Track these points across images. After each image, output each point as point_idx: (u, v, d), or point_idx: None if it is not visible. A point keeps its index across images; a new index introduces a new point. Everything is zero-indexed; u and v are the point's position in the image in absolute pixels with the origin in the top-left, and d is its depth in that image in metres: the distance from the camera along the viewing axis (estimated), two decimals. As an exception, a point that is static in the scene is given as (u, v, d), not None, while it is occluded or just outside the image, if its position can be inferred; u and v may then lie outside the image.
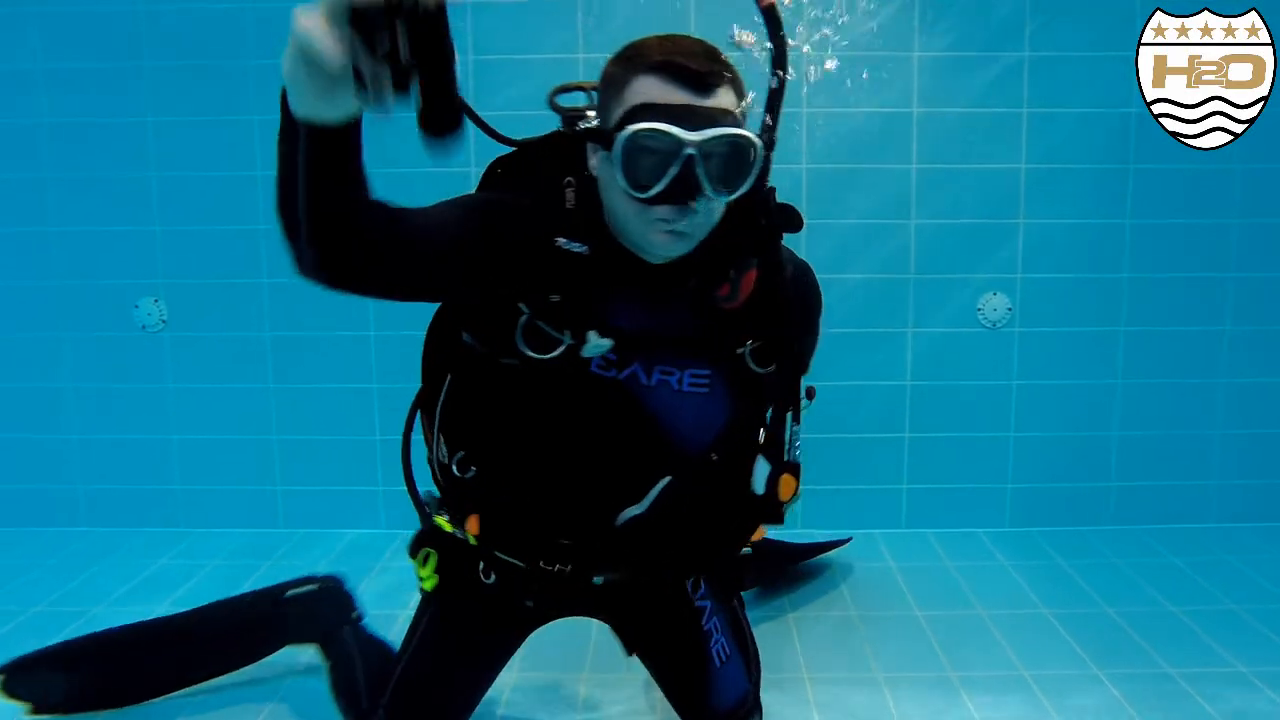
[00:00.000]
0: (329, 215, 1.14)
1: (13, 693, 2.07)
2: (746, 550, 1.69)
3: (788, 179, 3.22)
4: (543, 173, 1.46)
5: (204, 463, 3.42)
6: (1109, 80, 3.16)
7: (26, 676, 2.09)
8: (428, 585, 1.61)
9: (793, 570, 2.92)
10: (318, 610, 2.19)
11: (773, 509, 1.45)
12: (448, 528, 1.58)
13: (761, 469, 1.43)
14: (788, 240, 1.49)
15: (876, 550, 3.18)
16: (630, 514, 1.45)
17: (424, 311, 1.52)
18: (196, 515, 3.43)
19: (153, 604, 2.77)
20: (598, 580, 1.54)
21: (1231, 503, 3.39)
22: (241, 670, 2.26)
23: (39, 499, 3.45)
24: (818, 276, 1.57)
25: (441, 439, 1.55)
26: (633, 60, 1.29)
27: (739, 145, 1.27)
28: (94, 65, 3.24)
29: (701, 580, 1.70)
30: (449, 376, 1.53)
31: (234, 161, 3.26)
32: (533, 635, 1.76)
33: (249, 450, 3.41)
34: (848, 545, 3.00)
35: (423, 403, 1.61)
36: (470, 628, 1.65)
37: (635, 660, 1.76)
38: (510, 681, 2.27)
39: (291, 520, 3.42)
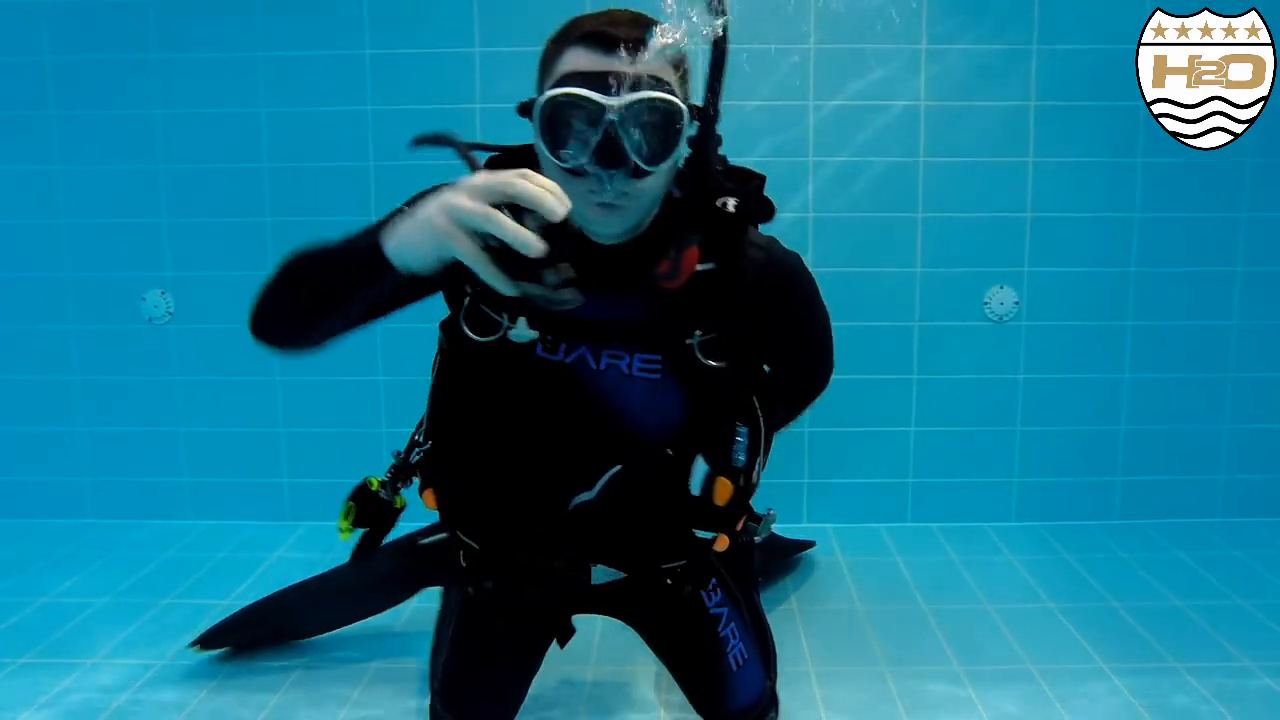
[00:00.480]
0: (334, 330, 1.30)
1: (209, 646, 2.40)
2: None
3: (793, 172, 3.21)
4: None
5: (211, 455, 3.43)
6: (1117, 73, 3.14)
7: (217, 640, 2.40)
8: (344, 536, 1.64)
9: (789, 562, 2.91)
10: (447, 556, 2.28)
11: (708, 513, 1.40)
12: (375, 485, 1.63)
13: (700, 469, 1.39)
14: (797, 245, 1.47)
15: (882, 544, 3.18)
16: (580, 500, 1.42)
17: (431, 305, 1.52)
18: (203, 507, 3.44)
19: (160, 596, 2.78)
20: (597, 579, 1.53)
21: (1238, 498, 3.38)
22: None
23: (46, 491, 3.46)
24: (826, 270, 1.54)
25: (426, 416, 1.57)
26: (564, 34, 1.28)
27: (665, 110, 1.22)
28: (101, 57, 3.24)
29: (716, 585, 1.68)
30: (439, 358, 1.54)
31: (241, 154, 3.27)
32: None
33: (256, 442, 3.42)
34: (814, 548, 3.01)
35: None
36: (492, 622, 1.65)
37: (640, 653, 1.75)
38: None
39: (299, 512, 3.42)
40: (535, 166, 1.32)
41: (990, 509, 3.38)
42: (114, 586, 2.86)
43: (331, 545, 3.18)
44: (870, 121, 3.22)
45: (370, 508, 1.63)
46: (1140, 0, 3.07)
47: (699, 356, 1.36)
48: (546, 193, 0.98)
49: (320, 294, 1.24)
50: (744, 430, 1.41)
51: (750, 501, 1.52)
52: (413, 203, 1.20)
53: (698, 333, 1.36)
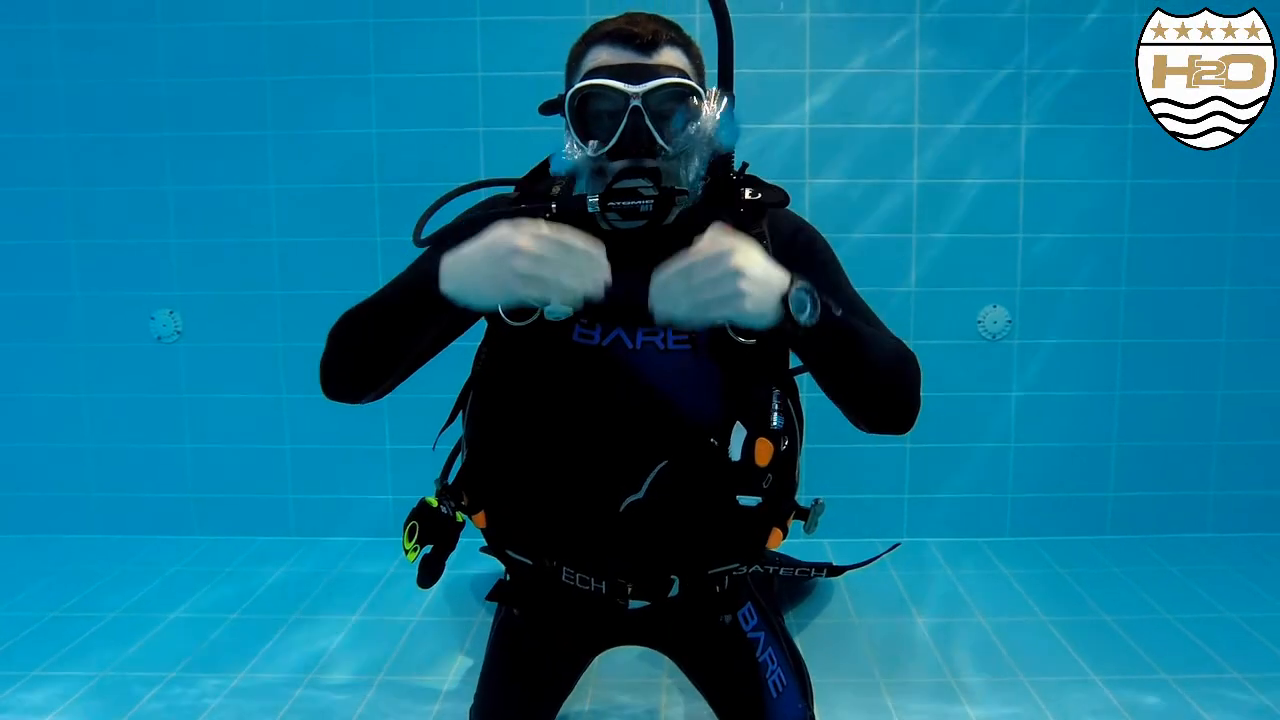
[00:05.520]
0: (405, 369, 1.41)
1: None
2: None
3: (791, 194, 3.26)
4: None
5: (217, 471, 3.48)
6: (1107, 96, 3.22)
7: None
8: (410, 558, 1.64)
9: (805, 587, 2.94)
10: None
11: (749, 476, 1.41)
12: (433, 503, 1.63)
13: (739, 434, 1.40)
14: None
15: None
16: (630, 501, 1.43)
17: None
18: (210, 523, 3.49)
19: (167, 611, 2.82)
20: (634, 605, 1.54)
21: (1228, 513, 3.43)
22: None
23: (56, 506, 3.51)
24: None
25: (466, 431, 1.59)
26: (588, 35, 1.40)
27: (685, 95, 1.34)
28: (111, 81, 3.31)
29: (753, 609, 1.69)
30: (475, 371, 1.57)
31: (248, 175, 3.33)
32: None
33: (262, 459, 3.47)
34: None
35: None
36: (526, 646, 1.67)
37: (649, 666, 1.77)
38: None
39: (303, 528, 3.47)
40: (548, 185, 1.44)
41: (984, 524, 3.43)
42: (122, 601, 2.90)
43: (335, 560, 3.24)
44: (863, 143, 3.29)
45: (433, 524, 1.62)
46: (1135, 19, 3.14)
47: (730, 334, 1.40)
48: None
49: (385, 343, 1.36)
50: (778, 394, 1.43)
51: (795, 498, 1.55)
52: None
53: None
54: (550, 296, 1.19)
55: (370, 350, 1.37)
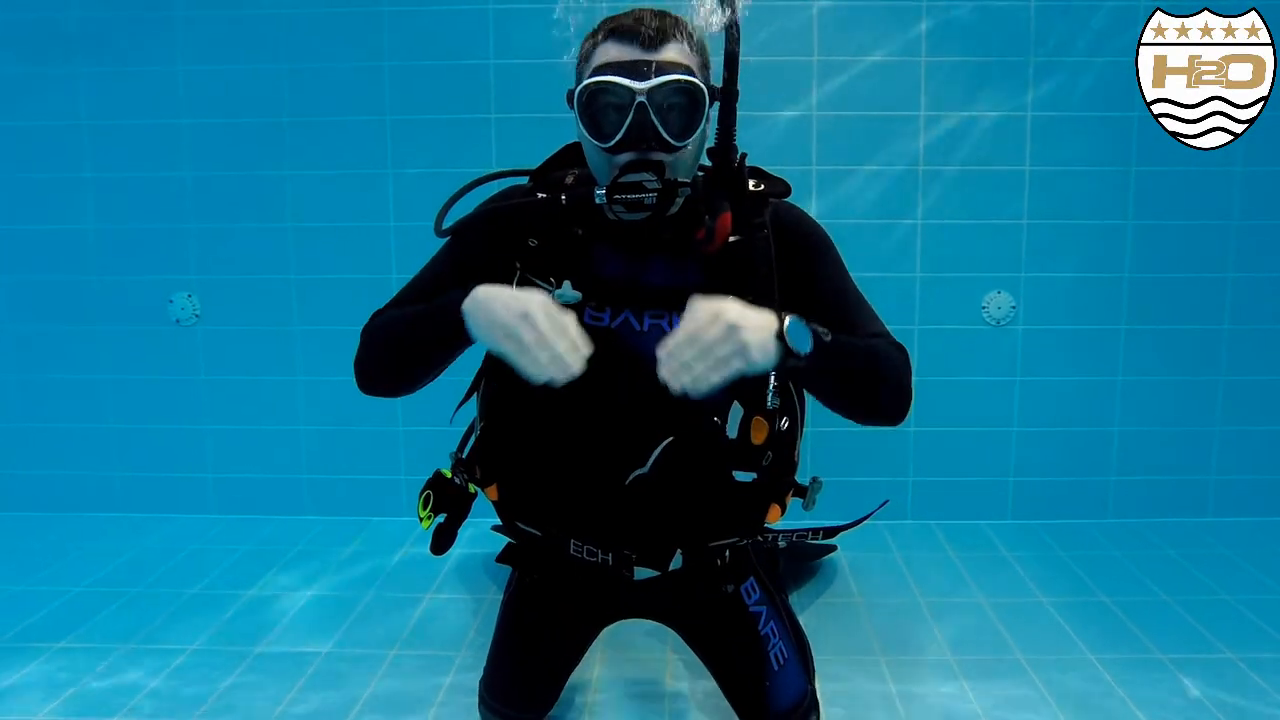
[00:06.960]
0: (435, 372, 1.50)
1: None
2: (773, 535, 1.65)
3: (796, 179, 3.28)
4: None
5: (235, 452, 3.55)
6: (1112, 84, 3.23)
7: None
8: (425, 525, 1.70)
9: (811, 567, 2.99)
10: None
11: (746, 454, 1.47)
12: (447, 474, 1.69)
13: (736, 413, 1.45)
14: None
15: (882, 540, 3.27)
16: (636, 475, 1.49)
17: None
18: (227, 502, 3.57)
19: (186, 587, 2.90)
20: (638, 576, 1.59)
21: (1229, 498, 3.46)
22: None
23: (78, 485, 3.59)
24: None
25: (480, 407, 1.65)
26: (596, 33, 1.46)
27: (689, 92, 1.39)
28: (130, 69, 3.37)
29: (755, 584, 1.75)
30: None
31: (264, 161, 3.38)
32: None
33: (278, 440, 3.54)
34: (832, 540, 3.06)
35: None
36: (536, 617, 1.73)
37: (655, 641, 1.82)
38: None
39: (319, 507, 3.54)
40: (561, 176, 1.49)
41: (987, 507, 3.48)
42: (143, 578, 2.98)
43: (349, 539, 3.30)
44: (870, 129, 3.32)
45: (447, 494, 1.69)
46: (1137, 6, 3.16)
47: None
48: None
49: (416, 356, 1.44)
50: (776, 376, 1.47)
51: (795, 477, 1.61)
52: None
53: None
54: (524, 365, 1.27)
55: (405, 366, 1.45)
